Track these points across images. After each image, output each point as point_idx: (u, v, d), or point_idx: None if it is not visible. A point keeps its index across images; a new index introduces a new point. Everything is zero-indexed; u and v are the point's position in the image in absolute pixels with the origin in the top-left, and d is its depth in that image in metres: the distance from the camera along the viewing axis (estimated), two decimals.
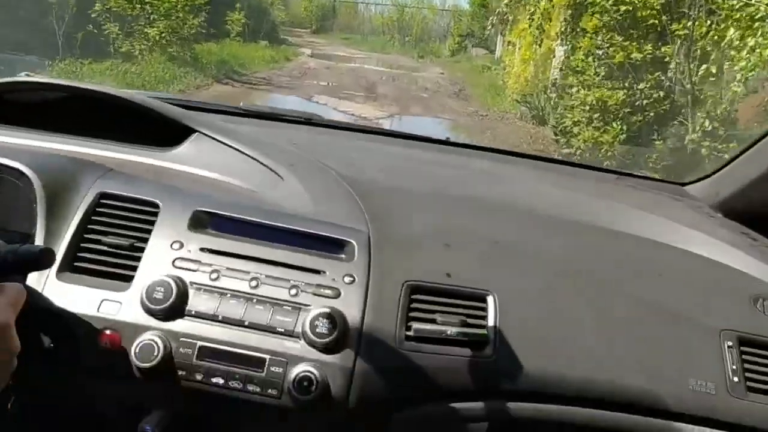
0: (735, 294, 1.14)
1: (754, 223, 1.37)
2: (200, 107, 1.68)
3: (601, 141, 6.45)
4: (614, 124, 6.51)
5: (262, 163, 1.26)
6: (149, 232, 1.03)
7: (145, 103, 1.32)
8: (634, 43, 6.81)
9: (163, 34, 11.12)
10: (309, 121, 1.77)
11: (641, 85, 6.62)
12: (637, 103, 6.43)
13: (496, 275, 1.07)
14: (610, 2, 6.85)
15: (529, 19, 10.54)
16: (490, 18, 17.56)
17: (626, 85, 6.88)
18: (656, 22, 6.63)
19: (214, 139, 1.30)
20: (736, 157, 1.40)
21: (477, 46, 23.24)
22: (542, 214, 1.31)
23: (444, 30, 26.90)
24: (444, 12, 27.90)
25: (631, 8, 6.73)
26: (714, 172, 1.51)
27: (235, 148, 1.29)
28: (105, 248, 1.02)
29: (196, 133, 1.31)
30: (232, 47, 15.54)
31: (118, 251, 1.02)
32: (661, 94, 6.31)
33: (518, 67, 11.65)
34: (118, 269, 1.01)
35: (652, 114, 6.18)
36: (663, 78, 6.47)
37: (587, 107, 6.98)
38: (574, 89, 7.66)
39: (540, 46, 10.90)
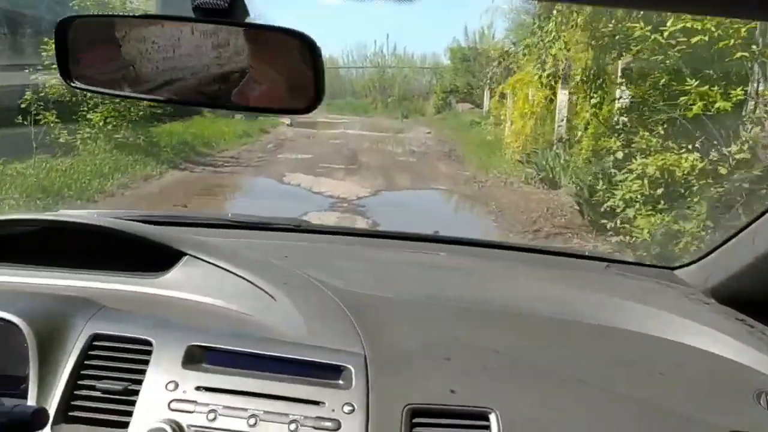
0: (738, 390, 1.08)
1: (747, 307, 1.31)
2: (189, 222, 1.68)
3: (678, 229, 4.41)
4: (696, 206, 4.44)
5: (254, 284, 1.21)
6: (143, 372, 0.99)
7: (128, 229, 1.29)
8: (717, 89, 4.81)
9: (109, 119, 9.38)
10: (298, 228, 1.78)
11: (731, 148, 4.57)
12: (720, 172, 4.43)
13: (497, 390, 1.02)
14: (666, 35, 5.00)
15: (538, 68, 8.82)
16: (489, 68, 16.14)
17: (697, 146, 4.93)
18: (746, 55, 4.69)
19: (205, 261, 1.26)
20: (727, 240, 1.35)
21: (462, 102, 21.89)
22: (538, 315, 1.27)
23: (426, 87, 25.61)
24: (425, 69, 26.72)
25: (707, 38, 4.76)
26: (704, 256, 1.46)
27: (227, 270, 1.24)
28: (99, 394, 0.98)
29: (186, 256, 1.27)
30: (199, 124, 13.88)
31: (113, 397, 0.98)
32: (748, 155, 4.34)
33: (517, 123, 9.92)
34: (113, 416, 0.97)
35: (744, 186, 4.13)
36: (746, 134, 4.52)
37: (644, 180, 4.97)
38: (617, 154, 5.78)
39: (553, 96, 9.20)
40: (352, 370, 1.00)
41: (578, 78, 8.66)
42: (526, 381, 1.06)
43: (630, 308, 1.31)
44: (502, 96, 12.47)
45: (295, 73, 0.82)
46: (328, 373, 1.01)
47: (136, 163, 8.98)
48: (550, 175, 8.71)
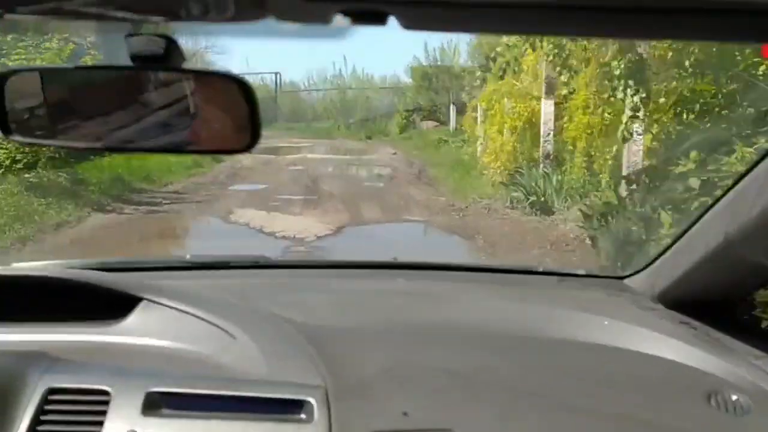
0: (689, 393, 1.09)
1: (693, 310, 1.30)
2: (145, 267, 1.64)
3: None
4: None
5: (213, 324, 1.18)
6: (102, 423, 0.94)
7: (82, 278, 1.26)
8: None
9: (18, 158, 7.61)
10: (257, 264, 1.76)
11: None
12: None
13: (455, 410, 1.02)
14: None
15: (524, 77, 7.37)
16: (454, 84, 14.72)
17: None
18: None
19: (162, 304, 1.23)
20: (670, 246, 1.36)
21: (426, 120, 20.50)
22: (493, 333, 1.28)
23: (389, 107, 24.14)
24: (386, 90, 25.30)
25: None
26: (650, 263, 1.46)
27: (185, 311, 1.21)
28: None
29: (143, 301, 1.23)
30: (144, 156, 12.12)
31: None
32: None
33: (495, 140, 8.41)
34: None
35: None
36: None
37: None
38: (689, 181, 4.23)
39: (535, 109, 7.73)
40: (314, 403, 0.97)
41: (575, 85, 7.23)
42: (483, 399, 1.04)
43: (582, 320, 1.29)
44: (474, 110, 10.94)
45: (232, 114, 0.82)
46: (289, 408, 0.98)
47: (49, 208, 7.19)
48: (541, 199, 7.21)
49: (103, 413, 0.94)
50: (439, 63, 20.52)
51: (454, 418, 0.98)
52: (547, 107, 7.78)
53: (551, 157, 7.81)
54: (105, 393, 0.97)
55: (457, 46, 19.30)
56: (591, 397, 1.06)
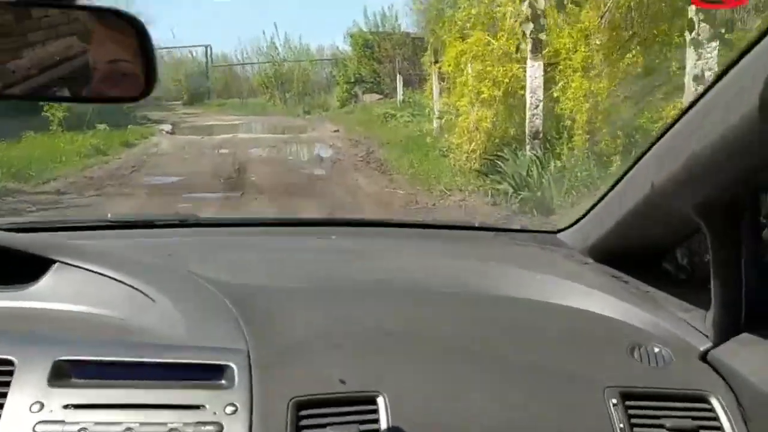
0: (613, 345, 1.05)
1: (622, 263, 1.26)
2: (62, 227, 1.50)
3: None
4: None
5: (131, 286, 1.07)
6: (5, 395, 0.84)
7: None
8: None
9: None
10: (184, 222, 1.58)
11: None
12: None
13: (387, 372, 0.95)
14: None
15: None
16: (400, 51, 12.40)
17: None
18: None
19: (76, 266, 1.09)
20: (600, 200, 1.30)
21: (369, 92, 18.19)
22: (428, 290, 1.22)
23: (328, 80, 21.69)
24: (324, 62, 22.78)
25: None
26: (582, 217, 1.39)
27: (101, 274, 1.09)
28: None
29: (56, 264, 1.10)
30: (30, 144, 9.47)
31: None
32: None
33: (466, 115, 6.24)
34: None
35: None
36: None
37: None
38: None
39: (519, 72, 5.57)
40: (234, 368, 0.89)
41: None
42: (415, 358, 0.99)
43: (514, 275, 1.26)
44: (442, 80, 8.64)
45: (124, 57, 0.72)
46: (208, 374, 0.89)
47: None
48: (537, 193, 5.13)
49: (7, 384, 0.85)
50: (381, 29, 18.18)
51: (385, 380, 0.92)
52: (533, 71, 5.68)
53: (541, 135, 5.73)
54: (9, 363, 0.87)
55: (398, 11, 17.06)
56: (521, 352, 1.04)
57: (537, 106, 5.75)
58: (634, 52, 5.51)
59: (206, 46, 24.42)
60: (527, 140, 5.82)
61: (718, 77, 0.87)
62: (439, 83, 8.61)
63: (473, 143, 6.06)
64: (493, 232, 1.63)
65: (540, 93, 5.72)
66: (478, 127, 6.00)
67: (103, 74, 0.73)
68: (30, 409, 0.83)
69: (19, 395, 0.84)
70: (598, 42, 5.45)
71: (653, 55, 5.36)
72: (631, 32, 5.40)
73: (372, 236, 1.61)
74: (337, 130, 13.46)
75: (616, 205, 1.20)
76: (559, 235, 1.48)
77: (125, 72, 0.73)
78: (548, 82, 5.84)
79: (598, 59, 5.47)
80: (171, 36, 25.85)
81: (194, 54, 24.71)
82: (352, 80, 18.75)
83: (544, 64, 5.69)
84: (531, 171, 5.27)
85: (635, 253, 1.25)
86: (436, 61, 8.83)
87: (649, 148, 1.08)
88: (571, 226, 1.44)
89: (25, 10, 0.68)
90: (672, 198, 1.03)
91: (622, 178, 1.20)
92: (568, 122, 5.52)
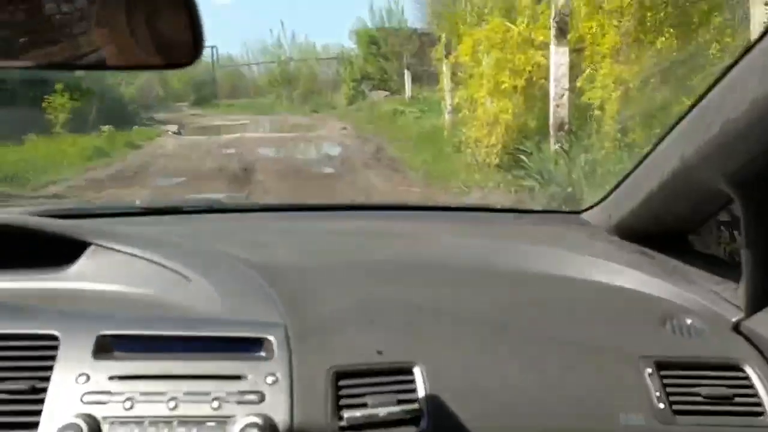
0: (645, 318, 1.05)
1: (649, 240, 1.24)
2: (95, 213, 1.54)
3: None
4: None
5: (165, 266, 1.07)
6: (51, 368, 0.85)
7: (28, 224, 1.14)
8: None
9: None
10: (212, 209, 1.63)
11: None
12: None
13: (421, 344, 0.95)
14: None
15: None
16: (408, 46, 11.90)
17: None
18: None
19: (111, 248, 1.11)
20: (624, 179, 1.28)
21: (376, 89, 17.75)
22: (456, 268, 1.21)
23: (334, 77, 21.28)
24: (330, 60, 22.35)
25: None
26: (606, 196, 1.38)
27: (136, 255, 1.10)
28: (4, 396, 0.84)
29: (92, 246, 1.11)
30: (32, 147, 9.10)
31: (19, 397, 0.84)
32: None
33: (484, 107, 5.78)
34: (20, 417, 0.82)
35: None
36: None
37: None
38: None
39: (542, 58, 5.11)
40: (273, 340, 0.90)
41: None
42: (449, 332, 0.99)
43: (540, 253, 1.24)
44: (455, 74, 8.15)
45: (167, 22, 0.67)
46: (248, 346, 0.90)
47: None
48: (567, 189, 4.69)
49: (53, 358, 0.86)
50: (386, 25, 17.71)
51: (420, 352, 0.92)
52: (558, 57, 5.24)
53: (566, 127, 5.28)
54: (53, 338, 0.88)
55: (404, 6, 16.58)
56: (552, 327, 1.02)
57: (562, 96, 5.30)
58: (667, 34, 5.04)
59: (212, 47, 24.03)
60: (551, 132, 5.37)
61: (752, 45, 0.83)
62: (452, 76, 8.15)
63: (493, 137, 5.61)
64: (515, 213, 1.60)
65: (565, 81, 5.27)
66: (498, 119, 5.56)
67: (149, 40, 0.68)
68: (76, 381, 0.84)
69: (64, 368, 0.85)
70: (628, 24, 4.98)
71: (690, 37, 4.90)
72: (664, 13, 4.93)
73: (397, 219, 1.59)
74: (345, 128, 13.05)
75: (643, 182, 1.17)
76: (584, 215, 1.46)
77: (173, 36, 0.69)
78: (572, 69, 5.38)
79: (629, 43, 5.00)
80: None
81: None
82: (359, 77, 18.32)
83: (570, 50, 5.23)
84: (558, 165, 4.83)
85: (662, 230, 1.23)
86: (448, 54, 8.37)
87: (676, 123, 1.04)
88: (596, 205, 1.41)
89: None
90: (702, 170, 0.99)
91: (647, 155, 1.17)
92: (597, 112, 5.07)
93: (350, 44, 20.28)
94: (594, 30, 5.08)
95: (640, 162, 1.20)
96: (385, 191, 6.34)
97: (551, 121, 5.39)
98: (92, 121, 11.58)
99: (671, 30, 5.03)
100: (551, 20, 5.15)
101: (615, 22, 5.02)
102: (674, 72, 5.07)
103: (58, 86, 10.85)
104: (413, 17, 18.00)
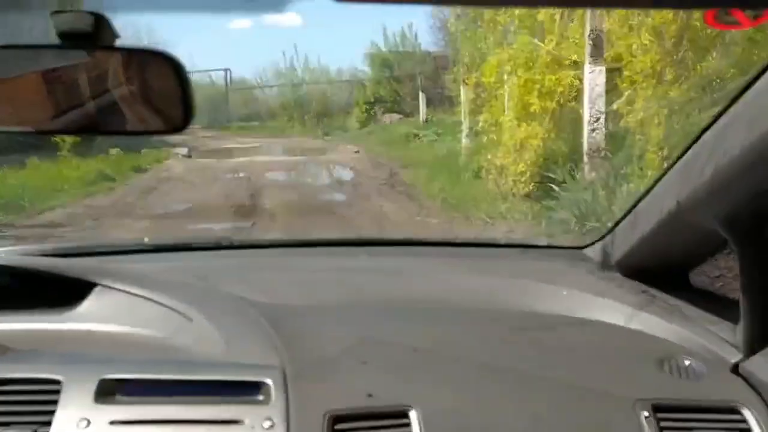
0: (642, 359, 1.04)
1: (649, 277, 1.24)
2: (102, 252, 1.51)
3: None
4: None
5: (169, 307, 1.09)
6: (53, 413, 0.85)
7: (34, 265, 1.17)
8: None
9: None
10: (219, 246, 1.65)
11: None
12: None
13: (416, 387, 0.95)
14: None
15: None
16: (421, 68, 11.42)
17: None
18: None
19: (116, 289, 1.13)
20: (625, 215, 1.27)
21: (389, 112, 17.33)
22: (455, 308, 1.22)
23: (347, 100, 20.94)
24: (343, 83, 22.06)
25: None
26: (608, 232, 1.37)
27: (141, 296, 1.12)
28: None
29: (98, 287, 1.13)
30: (33, 171, 8.68)
31: None
32: None
33: (510, 132, 5.23)
34: None
35: None
36: None
37: None
38: None
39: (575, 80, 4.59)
40: (271, 384, 0.91)
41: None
42: (445, 374, 0.99)
43: (542, 291, 1.24)
44: (478, 95, 7.58)
45: (163, 93, 0.77)
46: (246, 390, 0.91)
47: None
48: (608, 224, 4.13)
49: (55, 402, 0.86)
50: (400, 48, 17.35)
51: (415, 395, 0.92)
52: (593, 77, 4.70)
53: (603, 154, 4.72)
54: (56, 382, 0.89)
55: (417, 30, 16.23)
56: (550, 368, 1.01)
57: (598, 119, 4.74)
58: (714, 53, 4.49)
59: (225, 70, 23.88)
60: (586, 159, 4.80)
61: (741, 91, 0.85)
62: (472, 99, 7.63)
63: (520, 164, 5.06)
64: (519, 248, 1.63)
65: (601, 103, 4.72)
66: (526, 144, 5.00)
67: (146, 109, 0.76)
68: (77, 425, 0.84)
69: (66, 412, 0.85)
70: (671, 42, 4.44)
71: (742, 56, 4.34)
72: (714, 30, 4.38)
73: (399, 255, 1.60)
74: (358, 152, 12.56)
75: (643, 220, 1.17)
76: (585, 251, 1.45)
77: (168, 106, 0.76)
78: (609, 91, 4.83)
79: (671, 62, 4.45)
80: (190, 61, 25.54)
81: (213, 78, 24.42)
82: (372, 100, 17.94)
83: (605, 69, 4.69)
84: (597, 196, 4.26)
85: (662, 268, 1.22)
86: (466, 76, 7.87)
87: (674, 163, 1.05)
88: (598, 241, 1.41)
89: (73, 52, 0.71)
90: (698, 211, 1.01)
91: (647, 193, 1.17)
92: (638, 137, 4.50)
93: (363, 67, 19.98)
94: (633, 48, 4.54)
95: (641, 198, 1.19)
96: (399, 222, 5.78)
97: (585, 147, 4.84)
98: (101, 144, 11.18)
99: (720, 46, 4.48)
100: (586, 37, 4.62)
101: (657, 39, 4.47)
102: (723, 93, 4.50)
103: None
104: (427, 42, 17.66)
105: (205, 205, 7.17)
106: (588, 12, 4.55)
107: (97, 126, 0.77)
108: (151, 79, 0.76)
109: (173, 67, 0.74)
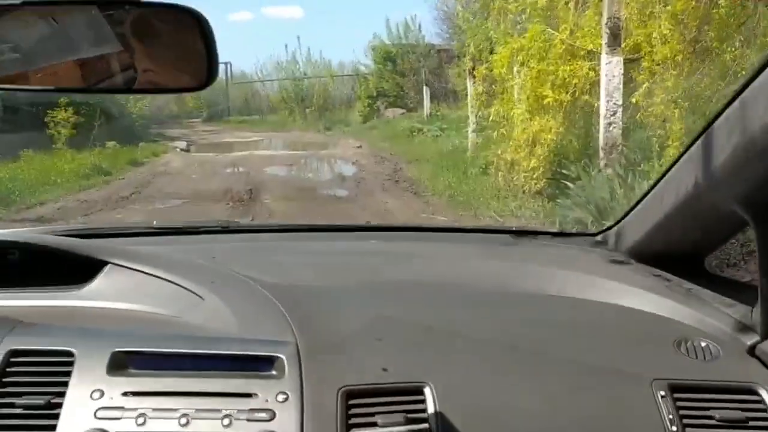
0: (659, 341, 1.03)
1: (664, 263, 1.22)
2: (112, 233, 1.52)
3: None
4: None
5: (180, 286, 1.09)
6: (66, 384, 0.87)
7: (47, 243, 1.17)
8: None
9: None
10: (227, 228, 1.58)
11: None
12: None
13: (431, 364, 0.94)
14: None
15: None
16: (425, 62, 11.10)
17: None
18: None
19: (127, 267, 1.13)
20: (639, 201, 1.26)
21: (391, 106, 17.04)
22: (469, 289, 1.20)
23: (349, 94, 20.64)
24: (345, 77, 21.74)
25: None
26: (621, 219, 1.35)
27: (151, 274, 1.12)
28: (20, 411, 0.85)
29: (109, 265, 1.13)
30: (27, 164, 8.43)
31: (35, 412, 0.84)
32: None
33: (521, 126, 4.95)
34: (36, 431, 0.83)
35: None
36: None
37: None
38: None
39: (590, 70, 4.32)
40: (284, 359, 0.90)
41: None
42: (460, 352, 0.98)
43: (555, 274, 1.23)
44: (492, 85, 7.29)
45: (186, 49, 0.77)
46: (259, 364, 0.90)
47: None
48: None
49: (68, 374, 0.88)
50: (404, 41, 17.02)
51: (430, 372, 0.91)
52: (611, 68, 4.43)
53: (620, 149, 4.45)
54: (69, 354, 0.90)
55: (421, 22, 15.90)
56: (565, 348, 1.00)
57: (615, 113, 4.47)
58: (738, 42, 4.21)
59: (226, 63, 23.58)
60: (602, 154, 4.54)
61: (759, 69, 0.82)
62: (479, 92, 7.35)
63: (533, 159, 4.79)
64: (531, 235, 1.58)
65: (618, 95, 4.45)
66: (538, 139, 4.74)
67: (168, 67, 0.76)
68: (91, 396, 0.85)
69: (80, 384, 0.86)
70: (693, 30, 4.16)
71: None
72: (739, 19, 4.12)
73: (411, 240, 1.59)
74: (360, 146, 12.30)
75: (658, 205, 1.15)
76: (599, 237, 1.44)
77: (190, 62, 0.75)
78: (625, 83, 4.56)
79: (693, 52, 4.17)
80: None
81: None
82: (374, 94, 17.64)
83: (624, 60, 4.42)
84: (615, 194, 3.99)
85: (677, 253, 1.21)
86: (473, 68, 7.58)
87: (689, 146, 1.04)
88: (611, 227, 1.39)
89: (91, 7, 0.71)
90: (716, 193, 0.99)
91: (662, 178, 1.16)
92: (658, 132, 4.23)
93: (366, 61, 19.66)
94: (654, 37, 4.25)
95: (655, 184, 1.18)
96: (404, 219, 5.52)
97: (601, 141, 4.56)
98: (98, 137, 10.92)
99: (744, 36, 4.20)
100: (603, 25, 4.34)
101: (679, 28, 4.20)
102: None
103: (62, 101, 10.22)
104: (430, 34, 17.36)
105: (202, 200, 6.92)
106: None
107: (125, 84, 0.76)
108: (177, 34, 0.76)
109: (196, 21, 0.74)
